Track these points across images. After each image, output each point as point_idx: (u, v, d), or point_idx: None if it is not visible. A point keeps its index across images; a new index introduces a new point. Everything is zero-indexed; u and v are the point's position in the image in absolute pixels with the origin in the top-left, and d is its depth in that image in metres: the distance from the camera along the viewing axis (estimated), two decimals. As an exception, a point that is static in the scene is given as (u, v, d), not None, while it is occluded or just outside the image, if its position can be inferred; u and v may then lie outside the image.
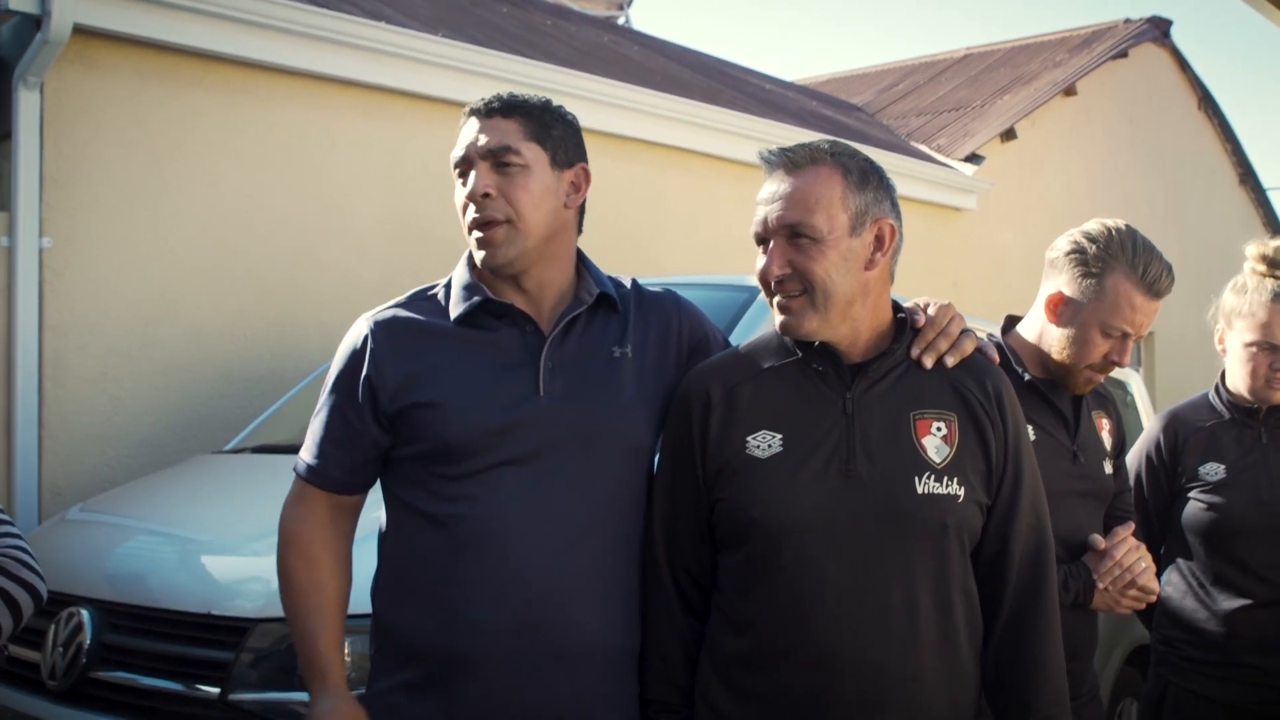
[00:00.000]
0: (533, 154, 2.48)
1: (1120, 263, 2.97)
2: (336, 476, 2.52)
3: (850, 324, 2.41)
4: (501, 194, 2.45)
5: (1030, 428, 2.94)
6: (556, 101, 2.63)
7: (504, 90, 2.60)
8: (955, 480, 2.36)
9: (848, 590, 2.30)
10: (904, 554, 2.32)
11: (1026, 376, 3.05)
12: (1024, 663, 2.42)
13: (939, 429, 2.40)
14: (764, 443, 2.38)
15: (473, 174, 2.47)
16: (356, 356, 2.50)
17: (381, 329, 2.50)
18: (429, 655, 2.37)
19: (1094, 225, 3.06)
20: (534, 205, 2.46)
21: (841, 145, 2.46)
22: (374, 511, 2.61)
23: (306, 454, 2.55)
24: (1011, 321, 3.27)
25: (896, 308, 2.53)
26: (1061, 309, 3.04)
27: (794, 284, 2.37)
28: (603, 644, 2.42)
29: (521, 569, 2.36)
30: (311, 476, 2.53)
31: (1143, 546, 3.08)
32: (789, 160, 2.40)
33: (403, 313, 2.54)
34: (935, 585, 2.34)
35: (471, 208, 2.47)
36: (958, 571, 2.38)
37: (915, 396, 2.43)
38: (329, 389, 2.54)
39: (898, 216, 2.46)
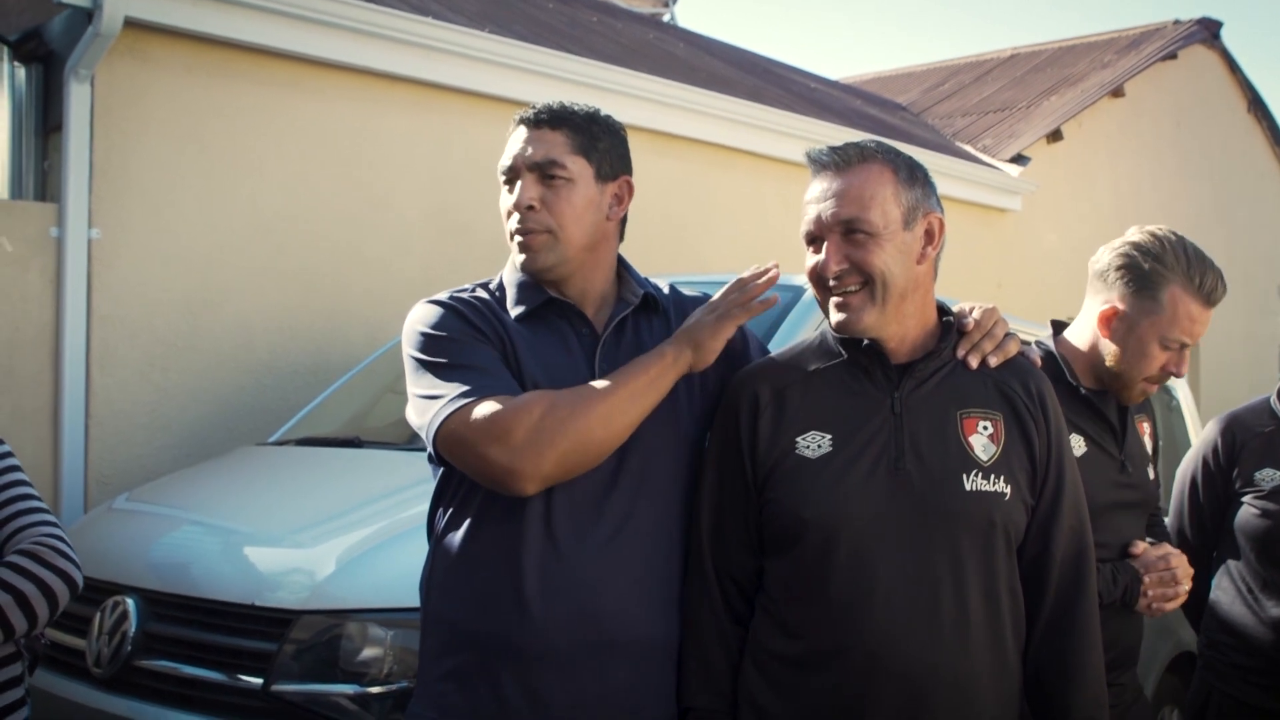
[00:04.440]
0: (578, 168, 2.52)
1: (1176, 274, 2.93)
2: (515, 393, 2.40)
3: (901, 321, 2.43)
4: (545, 206, 2.50)
5: (1081, 439, 2.94)
6: (603, 101, 2.64)
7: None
8: (1002, 478, 2.37)
9: (899, 589, 2.30)
10: (953, 551, 2.33)
11: (1082, 390, 3.01)
12: (1064, 664, 2.42)
13: (985, 427, 2.41)
14: (813, 443, 2.40)
15: (519, 184, 2.52)
16: (458, 317, 2.49)
17: (463, 305, 2.52)
18: (481, 643, 2.39)
19: (1141, 235, 3.01)
20: (576, 219, 2.51)
21: (885, 144, 2.49)
22: (420, 505, 2.62)
23: (474, 384, 2.37)
24: (1057, 327, 3.24)
25: (944, 310, 2.54)
26: (1116, 324, 3.00)
27: (852, 278, 2.39)
28: (649, 634, 2.45)
29: (583, 561, 2.38)
30: (500, 389, 2.37)
31: (1185, 560, 3.05)
32: (839, 159, 2.43)
33: (472, 299, 2.55)
34: (984, 583, 2.35)
35: (515, 216, 2.52)
36: (1005, 569, 2.38)
37: (961, 396, 2.44)
38: (452, 350, 2.44)
39: (942, 212, 2.49)
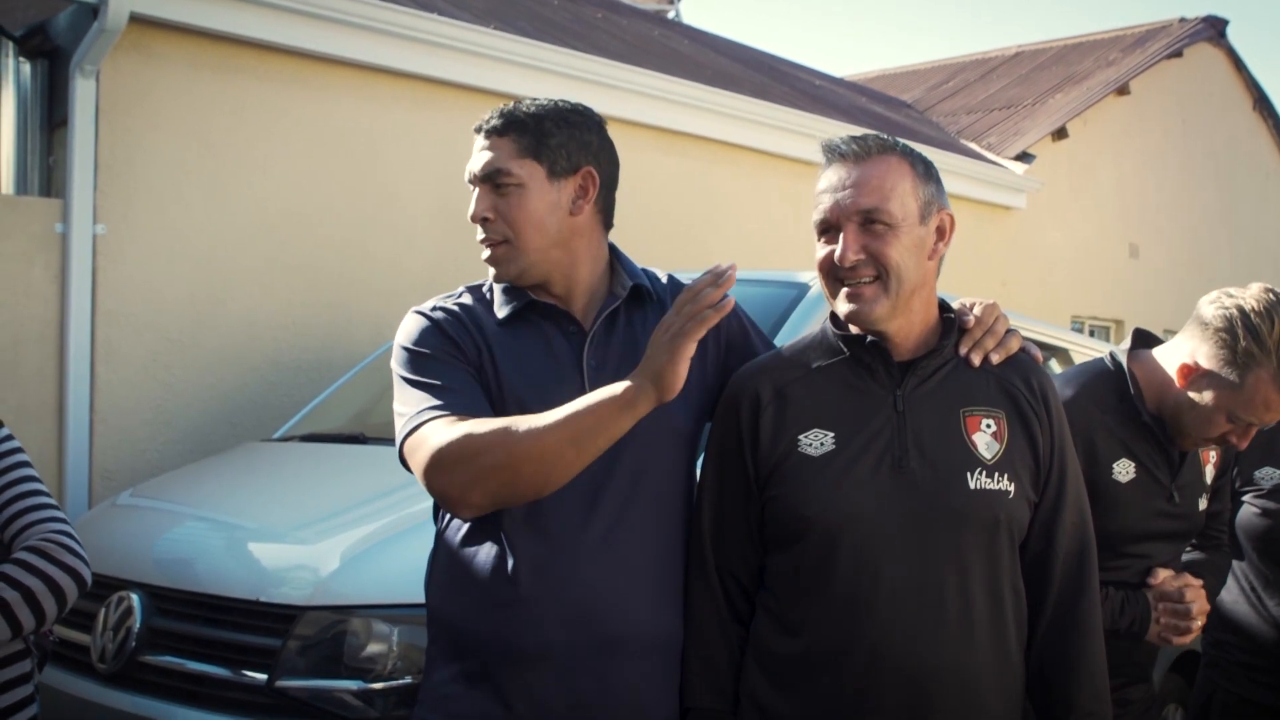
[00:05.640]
0: (526, 171, 2.50)
1: (1270, 361, 2.78)
2: (477, 411, 2.38)
3: (907, 317, 2.42)
4: (500, 215, 2.50)
5: (1132, 464, 2.90)
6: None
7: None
8: (1006, 476, 2.36)
9: (902, 588, 2.30)
10: (957, 550, 2.32)
11: (1144, 417, 2.93)
12: (1067, 660, 2.42)
13: (989, 425, 2.40)
14: (816, 441, 2.38)
15: (475, 195, 2.53)
16: (437, 331, 2.49)
17: (444, 316, 2.52)
18: (484, 647, 2.38)
19: (1255, 301, 2.82)
20: (532, 223, 2.49)
21: (892, 137, 2.48)
22: (423, 502, 2.62)
23: (431, 403, 2.36)
24: (1142, 338, 3.12)
25: (945, 307, 2.53)
26: (1193, 380, 2.88)
27: (867, 269, 2.37)
28: (653, 632, 2.43)
29: (577, 559, 2.37)
30: (455, 408, 2.35)
31: (1204, 594, 2.95)
32: (859, 148, 2.41)
33: (456, 307, 2.55)
34: (988, 581, 2.34)
35: (478, 228, 2.53)
36: (1008, 567, 2.38)
37: (964, 394, 2.43)
38: (422, 367, 2.43)
39: (951, 210, 2.49)
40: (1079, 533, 2.47)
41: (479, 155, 2.54)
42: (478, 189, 2.54)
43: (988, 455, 2.37)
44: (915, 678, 2.29)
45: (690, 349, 2.21)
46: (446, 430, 2.29)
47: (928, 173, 2.43)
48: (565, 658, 2.36)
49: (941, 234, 2.44)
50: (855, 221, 2.37)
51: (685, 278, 2.74)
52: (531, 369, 2.46)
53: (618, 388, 2.25)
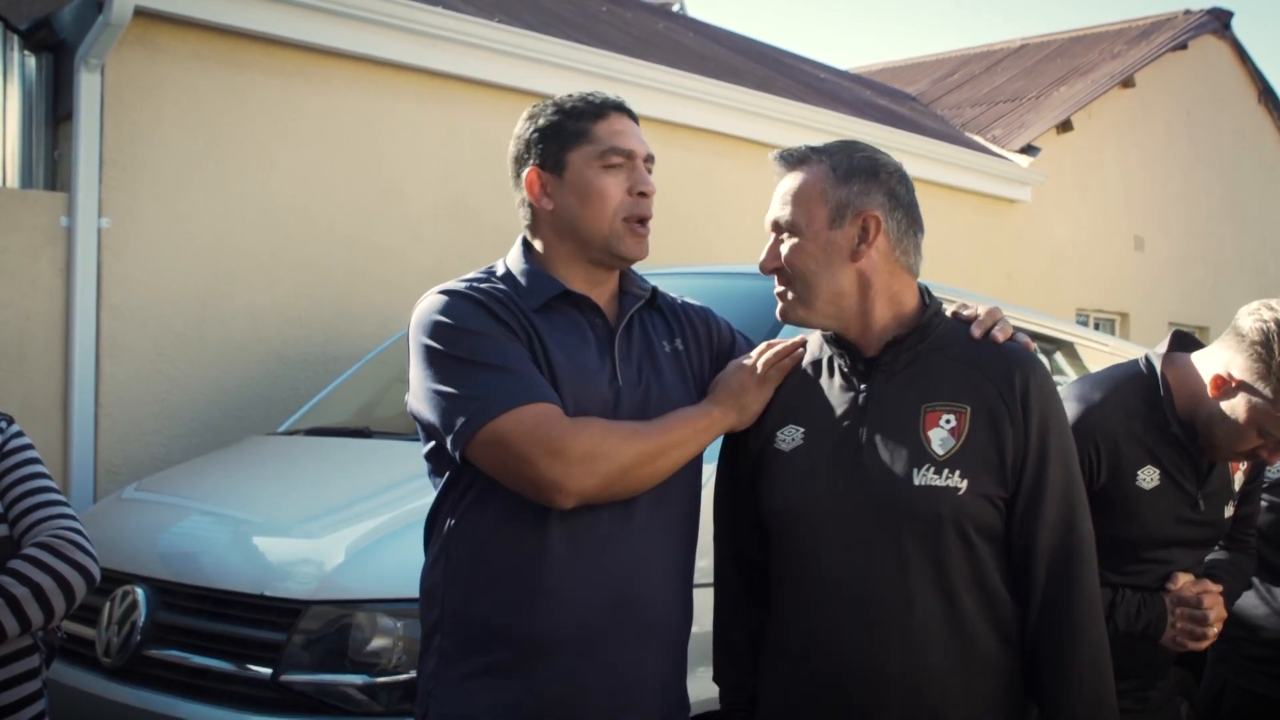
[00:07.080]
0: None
1: None
2: (548, 394, 2.39)
3: (860, 317, 2.43)
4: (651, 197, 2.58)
5: (1156, 470, 2.86)
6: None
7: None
8: (957, 473, 2.31)
9: (844, 583, 2.32)
10: (897, 546, 2.30)
11: (1173, 426, 2.88)
12: (1053, 664, 2.36)
13: (947, 421, 2.35)
14: (789, 436, 2.45)
15: (640, 170, 2.56)
16: (485, 311, 2.44)
17: (486, 298, 2.48)
18: (517, 638, 2.39)
19: None
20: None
21: (841, 143, 2.49)
22: (419, 500, 2.61)
23: (509, 390, 2.33)
24: (1180, 341, 3.06)
25: (925, 294, 2.51)
26: (1226, 392, 2.83)
27: (783, 276, 2.46)
28: (677, 615, 2.52)
29: (615, 547, 2.42)
30: (535, 394, 2.34)
31: (1221, 602, 2.91)
32: (784, 162, 2.50)
33: (492, 289, 2.51)
34: (938, 579, 2.31)
35: (643, 202, 2.55)
36: (961, 564, 2.32)
37: (930, 388, 2.39)
38: (479, 347, 2.38)
39: (898, 208, 2.43)
40: (1065, 531, 2.38)
41: (640, 136, 2.61)
42: (641, 166, 2.60)
43: (940, 451, 2.33)
44: (860, 678, 2.30)
45: (770, 392, 2.53)
46: (568, 422, 2.33)
47: (849, 175, 2.41)
48: (600, 644, 2.39)
49: (865, 235, 2.40)
50: (775, 232, 2.48)
51: (692, 274, 2.76)
52: (573, 354, 2.47)
53: (707, 407, 2.50)
